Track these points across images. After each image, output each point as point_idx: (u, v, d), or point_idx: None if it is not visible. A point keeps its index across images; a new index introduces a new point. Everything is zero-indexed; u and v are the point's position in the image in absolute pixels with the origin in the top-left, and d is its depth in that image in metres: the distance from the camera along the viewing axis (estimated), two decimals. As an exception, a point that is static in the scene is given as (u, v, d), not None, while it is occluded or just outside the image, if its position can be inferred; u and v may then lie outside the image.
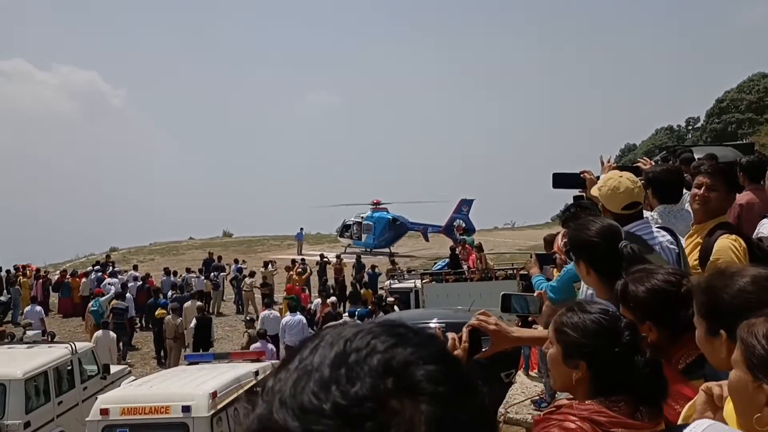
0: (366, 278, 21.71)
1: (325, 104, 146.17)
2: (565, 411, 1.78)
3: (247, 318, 16.14)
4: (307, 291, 20.54)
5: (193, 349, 14.59)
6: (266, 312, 16.10)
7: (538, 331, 2.46)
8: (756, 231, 3.69)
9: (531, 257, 4.40)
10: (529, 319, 3.19)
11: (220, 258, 26.07)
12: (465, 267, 17.54)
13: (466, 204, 33.42)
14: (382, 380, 0.59)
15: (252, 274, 21.74)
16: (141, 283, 20.95)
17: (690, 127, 65.01)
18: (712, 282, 1.74)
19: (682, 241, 3.34)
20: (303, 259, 24.93)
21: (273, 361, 9.45)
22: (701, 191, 3.49)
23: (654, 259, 2.75)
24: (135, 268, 25.61)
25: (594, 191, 3.73)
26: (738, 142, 23.14)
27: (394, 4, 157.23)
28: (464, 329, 2.23)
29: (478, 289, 14.63)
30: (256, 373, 8.42)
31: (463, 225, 31.74)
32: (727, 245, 3.15)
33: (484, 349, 2.29)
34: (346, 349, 0.62)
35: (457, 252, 19.32)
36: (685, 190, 5.39)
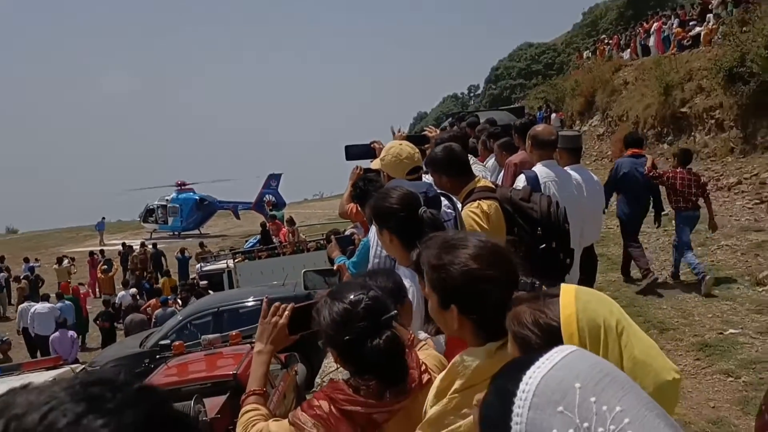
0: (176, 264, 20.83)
1: (122, 87, 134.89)
2: (324, 388, 1.91)
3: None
4: (86, 288, 19.44)
5: (-23, 363, 13.01)
6: (25, 304, 15.22)
7: None
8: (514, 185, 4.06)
9: (330, 241, 4.45)
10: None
11: (2, 258, 23.25)
12: (276, 242, 17.54)
13: (274, 179, 33.19)
14: None
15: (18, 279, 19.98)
16: None
17: (472, 94, 70.98)
18: (440, 258, 1.71)
19: (459, 205, 3.64)
20: (102, 251, 23.12)
21: (73, 366, 8.76)
22: None
23: None
24: None
25: (375, 163, 3.86)
26: (511, 106, 25.58)
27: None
28: (289, 306, 2.17)
29: (291, 263, 14.72)
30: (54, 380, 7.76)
31: (273, 200, 31.56)
32: (466, 215, 3.37)
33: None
34: (12, 429, 0.46)
35: (267, 228, 19.23)
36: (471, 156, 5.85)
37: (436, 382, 1.66)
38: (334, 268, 3.49)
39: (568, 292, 1.22)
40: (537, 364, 0.84)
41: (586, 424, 0.75)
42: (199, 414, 6.06)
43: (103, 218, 34.57)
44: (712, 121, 16.05)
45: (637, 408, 0.78)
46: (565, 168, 4.14)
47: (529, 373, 0.83)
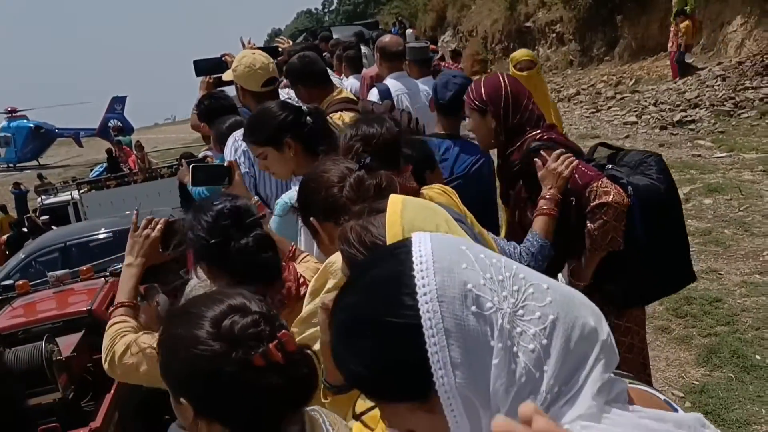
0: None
1: None
2: None
3: None
4: None
5: None
6: None
7: None
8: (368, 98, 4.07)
9: (182, 165, 4.11)
10: (223, 189, 2.86)
11: None
12: (126, 169, 16.51)
13: (118, 102, 30.90)
14: None
15: None
16: None
17: (326, 10, 69.53)
18: (307, 184, 1.78)
19: None
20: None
21: None
22: None
23: None
24: None
25: (228, 75, 3.59)
26: (366, 21, 25.29)
27: None
28: (162, 220, 2.14)
29: (143, 191, 13.97)
30: None
31: (120, 125, 29.44)
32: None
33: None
34: None
35: (115, 155, 18.02)
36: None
37: (312, 282, 1.67)
38: (225, 164, 3.19)
39: (394, 208, 1.14)
40: (416, 238, 0.78)
41: (488, 275, 0.74)
42: (52, 354, 5.74)
43: None
44: (554, 35, 16.94)
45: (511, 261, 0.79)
46: (416, 81, 4.19)
47: (415, 240, 0.77)
